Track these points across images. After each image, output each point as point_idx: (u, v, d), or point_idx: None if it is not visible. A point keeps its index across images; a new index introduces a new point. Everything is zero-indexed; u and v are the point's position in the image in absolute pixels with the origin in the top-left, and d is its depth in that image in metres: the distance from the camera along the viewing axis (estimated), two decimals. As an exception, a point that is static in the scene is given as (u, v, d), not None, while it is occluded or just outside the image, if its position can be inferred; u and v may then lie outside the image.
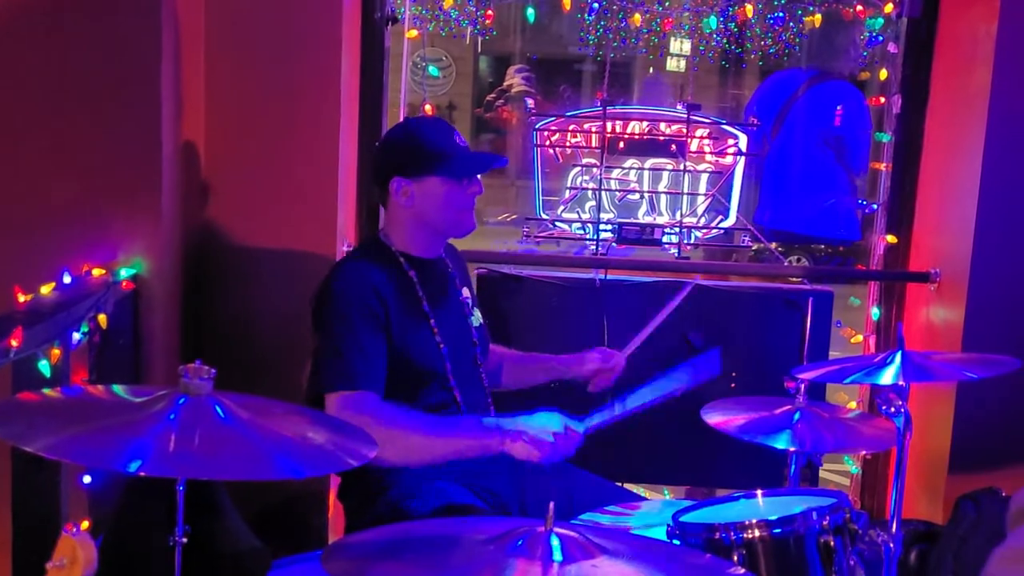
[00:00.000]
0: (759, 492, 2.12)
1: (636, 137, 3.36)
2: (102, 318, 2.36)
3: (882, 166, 3.27)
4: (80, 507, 2.32)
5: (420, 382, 2.34)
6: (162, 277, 2.57)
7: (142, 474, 1.57)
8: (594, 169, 3.31)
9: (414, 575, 1.64)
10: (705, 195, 3.35)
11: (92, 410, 1.76)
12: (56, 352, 2.17)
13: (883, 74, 3.26)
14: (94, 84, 2.46)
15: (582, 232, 3.43)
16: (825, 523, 1.88)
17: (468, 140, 2.46)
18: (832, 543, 1.88)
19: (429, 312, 2.38)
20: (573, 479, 2.51)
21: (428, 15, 5.25)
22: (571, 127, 3.42)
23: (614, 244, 3.30)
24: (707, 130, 3.35)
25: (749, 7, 3.30)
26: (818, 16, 3.40)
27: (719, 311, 3.13)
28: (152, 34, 2.47)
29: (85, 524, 2.32)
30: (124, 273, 2.49)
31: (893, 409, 1.90)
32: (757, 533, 1.88)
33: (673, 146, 3.31)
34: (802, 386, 2.43)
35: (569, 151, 3.44)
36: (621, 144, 3.35)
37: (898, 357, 2.17)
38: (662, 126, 3.38)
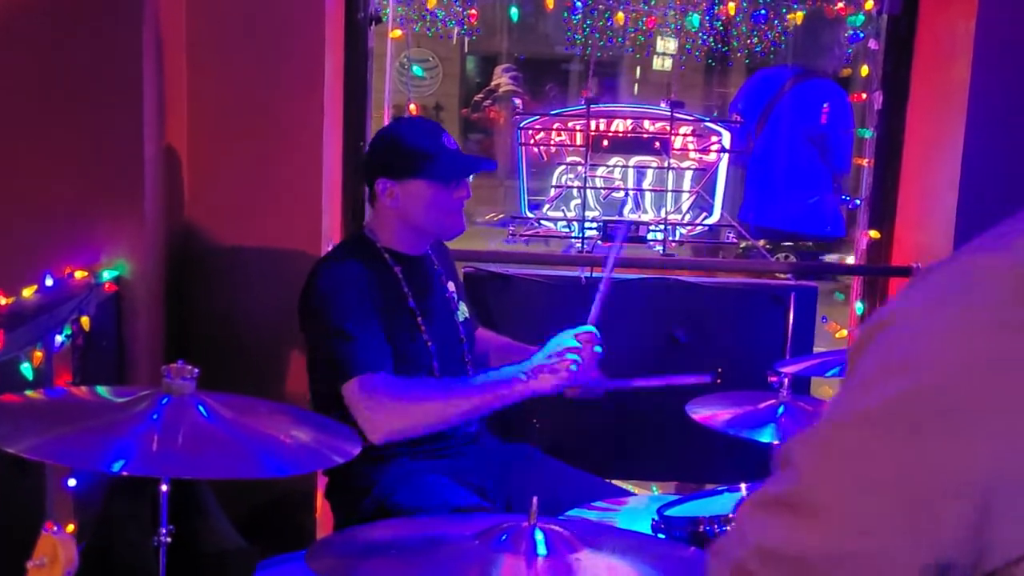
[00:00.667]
0: (743, 485, 2.13)
1: (620, 135, 3.38)
2: (85, 320, 2.35)
3: (864, 162, 3.29)
4: (65, 510, 2.31)
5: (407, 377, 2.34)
6: (146, 279, 2.57)
7: (125, 474, 1.58)
8: (579, 167, 3.32)
9: (400, 572, 1.66)
10: (690, 192, 3.37)
11: (75, 411, 1.77)
12: (38, 355, 2.17)
13: (864, 70, 3.28)
14: (74, 86, 2.46)
15: (568, 230, 3.44)
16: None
17: (456, 141, 2.46)
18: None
19: (416, 309, 2.39)
20: (559, 475, 2.53)
21: (414, 16, 5.27)
22: (555, 125, 3.43)
23: (599, 242, 3.31)
24: (691, 127, 3.36)
25: (732, 5, 3.32)
26: (800, 13, 3.43)
27: (704, 307, 3.15)
28: (133, 35, 2.46)
29: (70, 527, 2.32)
30: (107, 275, 2.48)
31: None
32: (741, 526, 1.89)
33: (657, 143, 3.33)
34: (785, 380, 2.44)
35: (554, 150, 3.45)
36: (605, 142, 3.37)
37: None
38: (646, 124, 3.40)
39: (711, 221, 3.43)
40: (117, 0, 2.48)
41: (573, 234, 3.39)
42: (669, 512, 2.05)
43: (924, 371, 0.82)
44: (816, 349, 3.25)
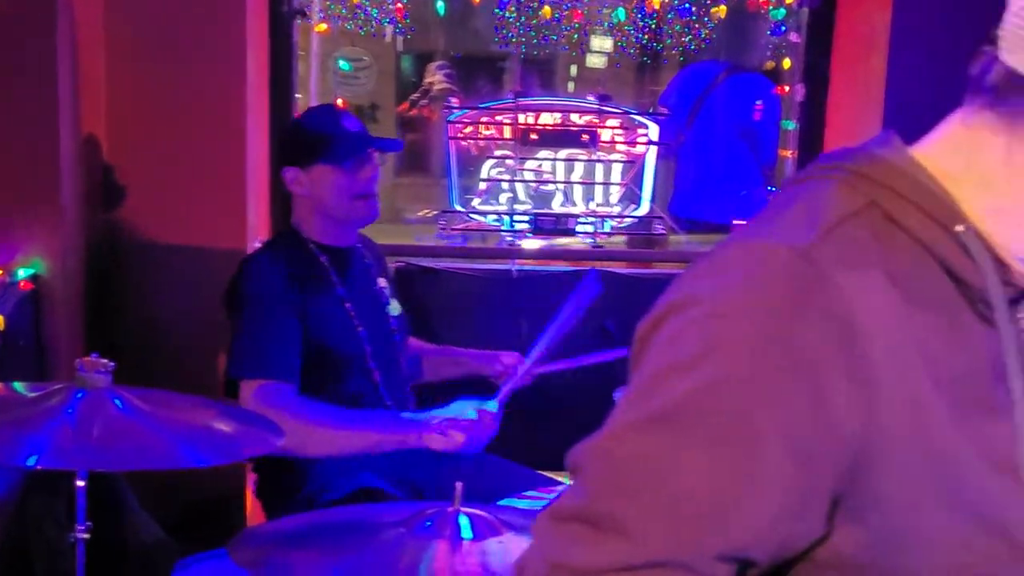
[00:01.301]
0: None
1: (549, 128, 3.40)
2: None
3: (788, 153, 3.36)
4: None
5: (340, 367, 2.34)
6: (64, 276, 2.52)
7: (40, 470, 1.56)
8: (508, 161, 3.33)
9: (323, 560, 1.65)
10: (618, 184, 3.40)
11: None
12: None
13: (786, 63, 3.35)
14: None
15: (498, 224, 3.45)
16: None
17: (361, 124, 2.43)
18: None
19: (345, 296, 2.38)
20: (492, 467, 2.53)
21: (346, 13, 5.25)
22: (483, 119, 3.44)
23: (529, 235, 3.33)
24: (618, 120, 3.40)
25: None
26: (723, 7, 3.48)
27: (635, 298, 3.17)
28: (47, 26, 2.42)
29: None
30: (22, 273, 2.43)
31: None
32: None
33: (585, 136, 3.36)
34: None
35: (483, 143, 3.46)
36: (534, 136, 3.39)
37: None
38: (574, 117, 3.42)
39: (640, 213, 3.46)
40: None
41: (503, 227, 3.40)
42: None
43: (712, 367, 0.80)
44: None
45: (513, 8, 5.75)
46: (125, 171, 2.79)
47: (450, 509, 1.69)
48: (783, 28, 3.39)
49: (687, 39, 7.02)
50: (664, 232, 3.48)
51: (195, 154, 2.79)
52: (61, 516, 1.78)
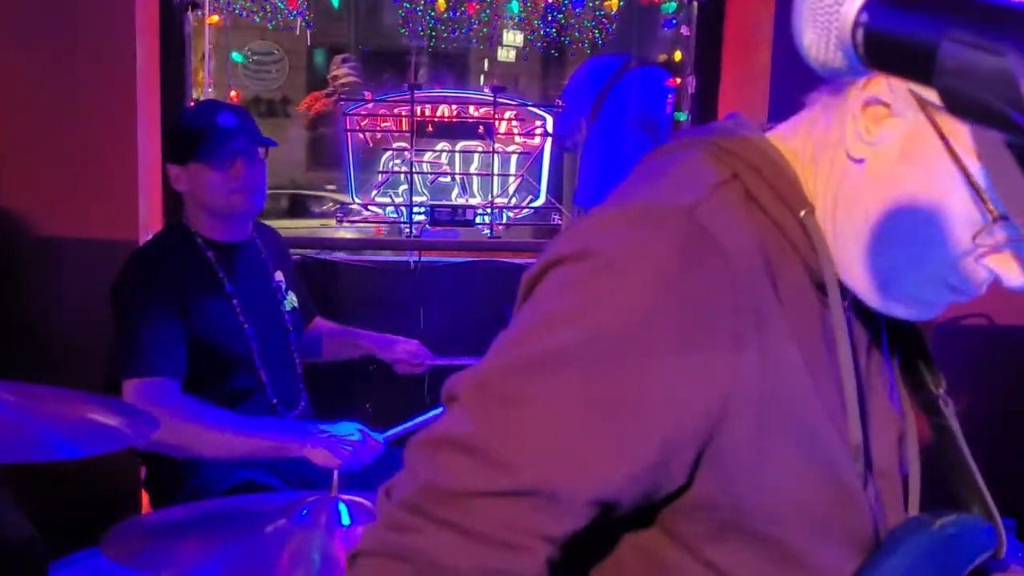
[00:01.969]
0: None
1: (445, 120, 3.41)
2: None
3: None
4: None
5: (225, 365, 2.32)
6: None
7: None
8: (405, 153, 3.34)
9: (201, 550, 1.65)
10: (515, 175, 3.43)
11: None
12: None
13: (678, 56, 3.41)
14: None
15: (396, 216, 3.46)
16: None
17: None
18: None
19: (232, 292, 2.36)
20: (390, 456, 2.54)
21: (253, 7, 5.18)
22: (380, 112, 3.44)
23: (428, 226, 3.34)
24: (514, 112, 3.43)
25: (550, -9, 3.40)
26: (616, 1, 3.54)
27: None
28: None
29: None
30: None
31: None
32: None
33: (481, 128, 3.38)
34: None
35: (380, 136, 3.46)
36: (430, 127, 3.40)
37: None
38: (470, 109, 3.45)
39: (537, 204, 3.50)
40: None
41: (402, 219, 3.41)
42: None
43: (598, 319, 0.83)
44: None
45: (422, 2, 5.75)
46: (12, 164, 2.73)
47: (329, 497, 1.71)
48: (674, 22, 3.46)
49: (595, 33, 7.10)
50: (561, 222, 3.52)
51: (85, 147, 2.74)
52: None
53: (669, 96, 4.69)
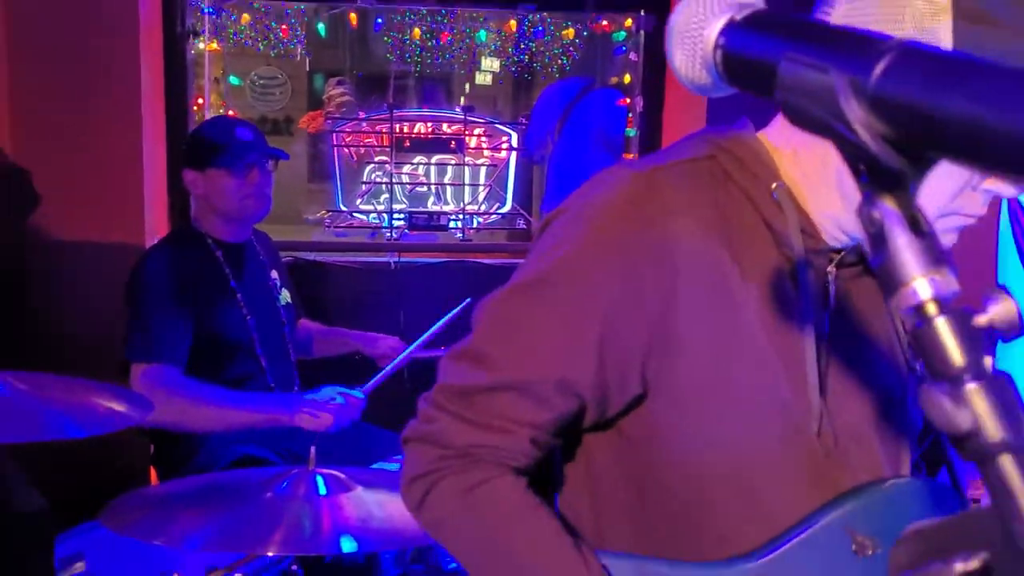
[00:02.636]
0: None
1: (421, 136, 3.42)
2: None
3: (631, 156, 3.43)
4: None
5: (229, 353, 2.32)
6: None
7: None
8: (386, 165, 3.34)
9: (191, 520, 1.64)
10: (484, 185, 3.43)
11: None
12: None
13: (627, 79, 3.43)
14: None
15: (378, 221, 3.46)
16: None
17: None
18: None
19: (236, 288, 2.36)
20: (369, 435, 2.54)
21: (256, 36, 5.15)
22: (364, 129, 3.44)
23: (407, 231, 3.34)
24: (483, 129, 3.43)
25: (513, 22, 3.40)
26: (571, 30, 3.54)
27: (499, 285, 3.21)
28: None
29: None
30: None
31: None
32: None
33: (453, 143, 3.39)
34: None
35: (363, 150, 3.46)
36: (407, 143, 3.41)
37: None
38: (444, 126, 3.45)
39: (504, 210, 3.51)
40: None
41: (383, 225, 3.41)
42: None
43: (564, 252, 0.94)
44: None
45: (407, 31, 5.74)
46: (30, 176, 2.71)
47: (307, 470, 1.70)
48: (624, 48, 3.47)
49: (563, 59, 7.11)
50: (526, 227, 3.52)
51: (95, 159, 2.73)
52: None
53: (612, 110, 4.71)
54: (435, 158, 3.53)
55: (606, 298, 0.92)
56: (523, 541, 0.96)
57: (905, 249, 0.51)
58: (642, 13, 3.26)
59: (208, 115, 3.21)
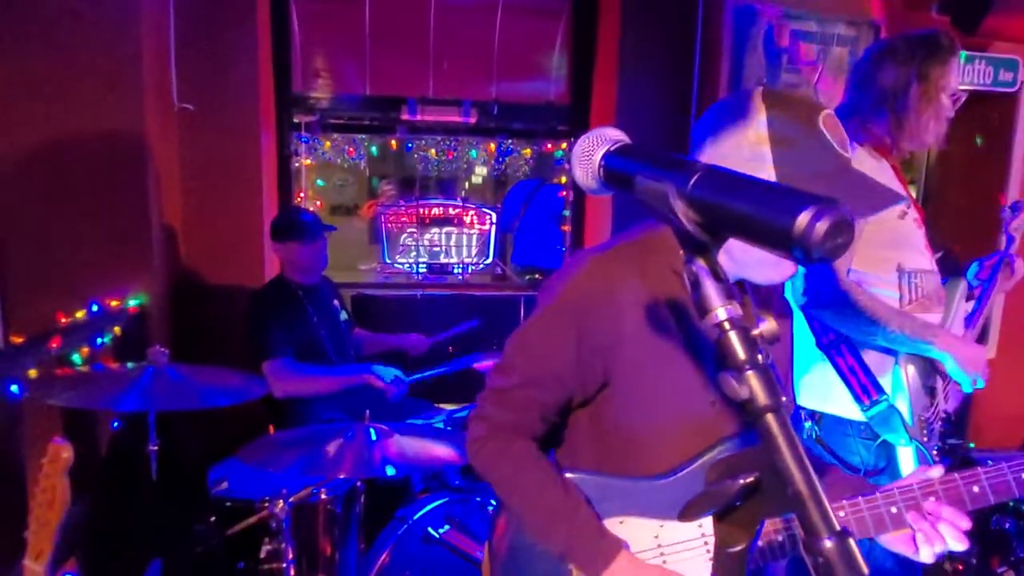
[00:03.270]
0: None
1: (437, 216, 3.46)
2: (117, 329, 2.25)
3: (567, 228, 3.50)
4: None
5: (312, 353, 2.34)
6: (158, 303, 2.44)
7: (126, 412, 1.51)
8: (414, 234, 3.38)
9: (292, 455, 1.65)
10: (475, 246, 3.46)
11: (103, 377, 1.70)
12: (85, 350, 2.06)
13: (563, 180, 3.50)
14: (97, 174, 2.27)
15: (409, 269, 3.48)
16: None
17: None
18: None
19: (312, 312, 2.39)
20: (406, 401, 2.56)
21: (333, 154, 5.17)
22: (401, 210, 3.48)
23: (427, 275, 3.37)
24: (474, 210, 3.48)
25: (492, 145, 3.47)
26: (529, 150, 3.61)
27: (489, 307, 3.22)
28: (138, 158, 2.32)
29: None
30: (132, 302, 2.36)
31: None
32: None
33: (456, 220, 3.43)
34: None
35: (400, 225, 3.49)
36: (428, 220, 3.45)
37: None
38: (451, 209, 3.50)
39: (488, 262, 3.54)
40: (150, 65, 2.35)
41: (413, 271, 3.43)
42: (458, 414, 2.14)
43: (550, 302, 0.98)
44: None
45: (429, 150, 5.78)
46: (191, 242, 2.73)
47: (364, 423, 1.74)
48: (561, 161, 3.55)
49: (525, 168, 7.16)
50: (502, 272, 3.56)
51: (235, 230, 2.74)
52: (144, 448, 1.73)
53: (557, 199, 4.79)
54: (445, 229, 3.58)
55: (578, 326, 0.95)
56: (531, 479, 1.00)
57: (710, 289, 0.54)
58: (572, 139, 3.33)
59: (306, 206, 3.24)
